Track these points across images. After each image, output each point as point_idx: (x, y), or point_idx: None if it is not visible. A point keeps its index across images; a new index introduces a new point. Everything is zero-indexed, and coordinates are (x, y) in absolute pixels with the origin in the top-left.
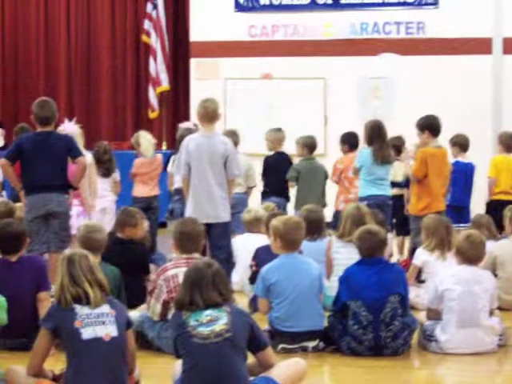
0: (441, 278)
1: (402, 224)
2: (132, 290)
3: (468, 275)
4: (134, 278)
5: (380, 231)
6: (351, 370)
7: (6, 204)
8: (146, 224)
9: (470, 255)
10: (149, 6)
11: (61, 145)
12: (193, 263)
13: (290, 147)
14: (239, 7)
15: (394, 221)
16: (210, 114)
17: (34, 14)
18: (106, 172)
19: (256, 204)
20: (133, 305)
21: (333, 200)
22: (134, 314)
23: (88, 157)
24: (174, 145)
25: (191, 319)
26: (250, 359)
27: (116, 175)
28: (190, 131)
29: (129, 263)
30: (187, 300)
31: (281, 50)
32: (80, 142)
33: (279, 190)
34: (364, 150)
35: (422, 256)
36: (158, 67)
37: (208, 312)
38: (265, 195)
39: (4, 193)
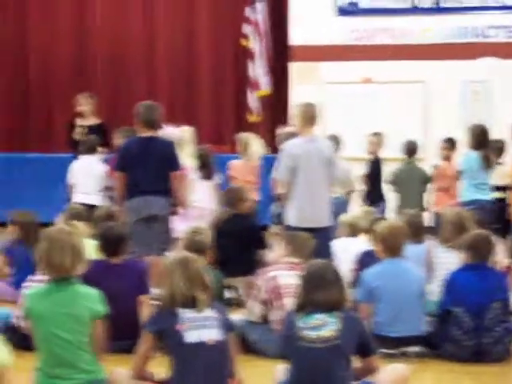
0: None
1: (504, 227)
2: (243, 261)
3: None
4: (246, 250)
5: (492, 237)
6: (455, 376)
7: (107, 208)
8: None
9: None
10: (248, 11)
11: (166, 151)
12: (309, 265)
13: (390, 151)
14: (340, 11)
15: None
16: (309, 118)
17: (135, 20)
18: (207, 175)
19: (357, 209)
20: (243, 274)
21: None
22: (236, 317)
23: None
24: (276, 149)
25: (300, 321)
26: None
27: (217, 178)
28: (293, 135)
29: (242, 235)
30: (309, 300)
31: (381, 54)
32: (188, 146)
33: (382, 195)
34: (471, 154)
35: None
36: (257, 71)
37: (318, 316)
38: (376, 202)
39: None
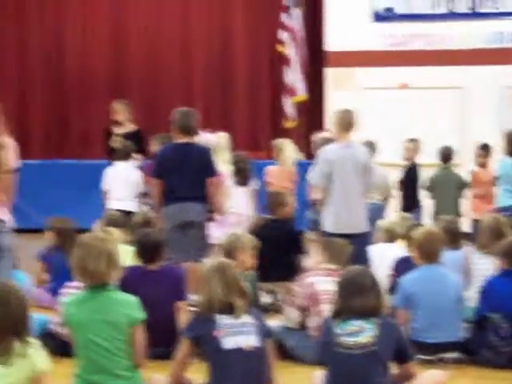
0: None
1: None
2: (282, 266)
3: None
4: (285, 255)
5: None
6: (492, 383)
7: (144, 214)
8: None
9: None
10: (284, 16)
11: (202, 157)
12: (346, 271)
13: (426, 157)
14: (376, 17)
15: None
16: (346, 124)
17: (170, 26)
18: (243, 181)
19: (394, 215)
20: (281, 279)
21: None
22: (274, 324)
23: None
24: (311, 155)
25: (337, 327)
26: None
27: (253, 184)
28: (329, 141)
29: (280, 240)
30: (346, 306)
31: (417, 60)
32: (224, 152)
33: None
34: (506, 160)
35: None
36: (293, 77)
37: (355, 322)
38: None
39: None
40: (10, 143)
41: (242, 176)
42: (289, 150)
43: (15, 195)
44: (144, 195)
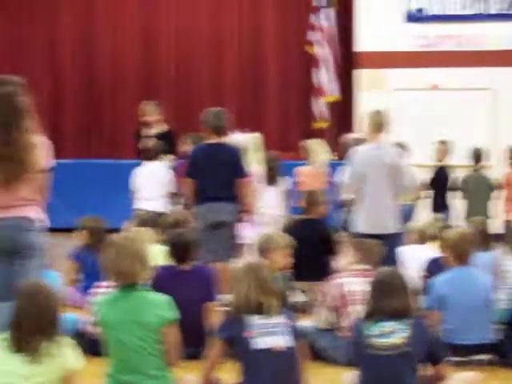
0: None
1: None
2: (315, 266)
3: None
4: (318, 255)
5: None
6: None
7: (175, 214)
8: None
9: None
10: (315, 17)
11: (233, 157)
12: (377, 272)
13: (457, 158)
14: (408, 18)
15: None
16: (378, 126)
17: (202, 27)
18: (273, 181)
19: (425, 216)
20: (314, 279)
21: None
22: (305, 324)
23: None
24: (342, 155)
25: (369, 328)
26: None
27: (284, 184)
28: (359, 142)
29: (313, 239)
30: (378, 308)
31: (449, 61)
32: (256, 151)
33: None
34: None
35: None
36: (324, 77)
37: (387, 323)
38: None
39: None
40: (44, 142)
41: (271, 175)
42: (320, 150)
43: (49, 194)
44: (174, 195)
